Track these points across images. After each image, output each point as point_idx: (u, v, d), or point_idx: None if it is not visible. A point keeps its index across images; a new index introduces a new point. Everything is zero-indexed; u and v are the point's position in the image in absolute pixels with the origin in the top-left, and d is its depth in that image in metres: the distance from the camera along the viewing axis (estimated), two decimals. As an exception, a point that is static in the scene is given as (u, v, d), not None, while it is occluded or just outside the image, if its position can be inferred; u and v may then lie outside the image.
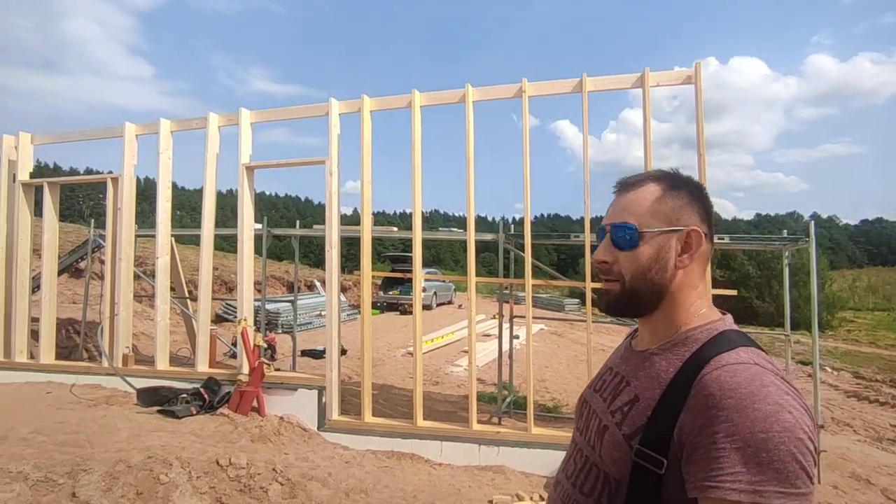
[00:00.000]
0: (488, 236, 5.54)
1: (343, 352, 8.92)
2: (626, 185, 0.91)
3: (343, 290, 18.61)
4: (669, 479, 0.72)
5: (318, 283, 16.58)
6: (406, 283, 17.34)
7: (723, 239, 5.01)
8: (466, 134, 5.05)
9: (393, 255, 18.18)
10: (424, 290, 16.66)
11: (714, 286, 4.54)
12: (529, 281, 4.97)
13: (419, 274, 5.27)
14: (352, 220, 6.32)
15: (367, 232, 5.36)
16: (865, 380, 9.85)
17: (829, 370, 10.59)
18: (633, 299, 0.87)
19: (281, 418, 5.21)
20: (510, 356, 5.99)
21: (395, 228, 6.09)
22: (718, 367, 0.72)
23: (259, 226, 6.47)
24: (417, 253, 5.29)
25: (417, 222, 5.22)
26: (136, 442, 4.17)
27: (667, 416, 0.74)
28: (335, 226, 5.38)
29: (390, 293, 16.63)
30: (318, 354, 8.51)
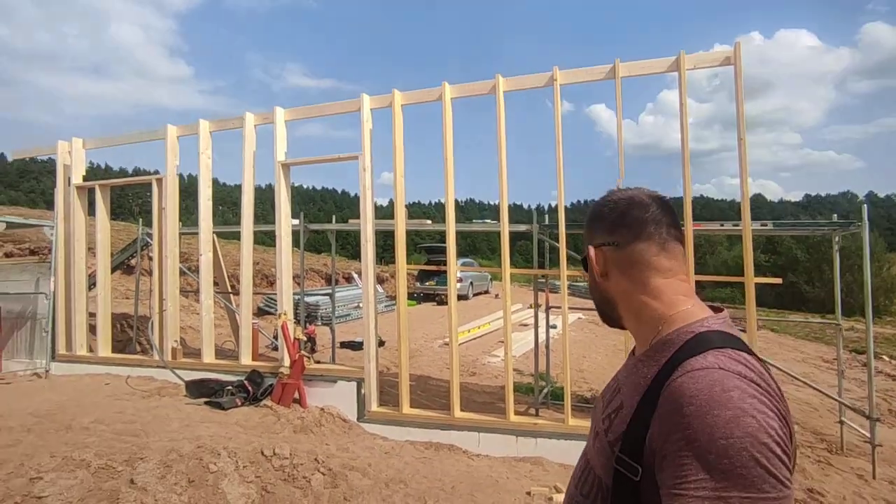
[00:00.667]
0: (522, 227, 5.49)
1: (381, 343, 9.06)
2: None
3: (380, 281, 18.87)
4: (645, 485, 0.74)
5: (355, 276, 16.84)
6: (442, 274, 17.43)
7: (766, 225, 4.80)
8: (498, 125, 5.00)
9: (428, 246, 18.24)
10: (460, 280, 16.74)
11: (758, 272, 4.34)
12: (564, 271, 4.91)
13: (453, 265, 5.28)
14: (387, 211, 6.34)
15: (401, 225, 5.40)
16: (927, 369, 9.32)
17: (886, 359, 10.07)
18: (601, 313, 0.98)
19: (322, 409, 5.35)
20: (546, 346, 5.94)
21: (429, 221, 6.12)
22: (683, 374, 0.73)
23: (296, 221, 6.62)
24: (451, 244, 5.29)
25: (451, 214, 5.23)
26: (186, 432, 4.37)
27: (641, 424, 0.76)
28: (370, 220, 5.44)
29: (427, 284, 16.73)
30: (357, 346, 8.68)
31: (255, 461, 4.04)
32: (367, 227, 5.42)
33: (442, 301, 15.82)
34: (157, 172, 6.64)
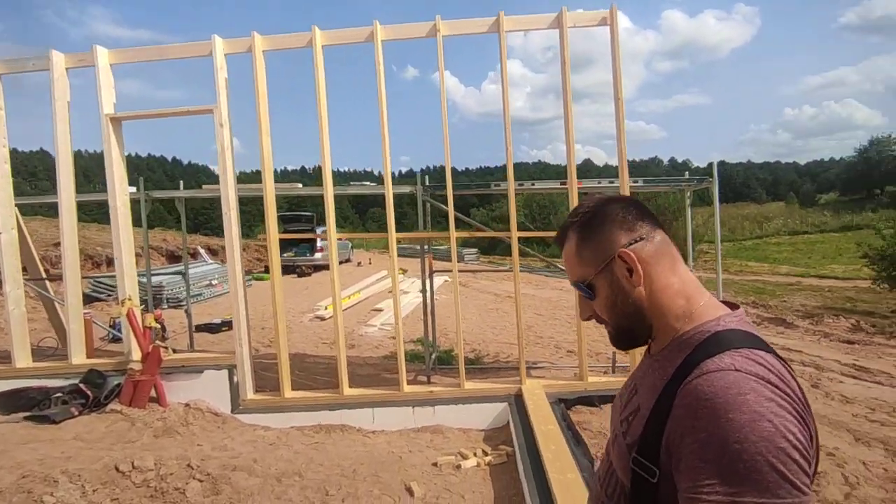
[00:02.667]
0: (406, 188, 5.20)
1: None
2: (559, 242, 0.92)
3: (215, 252, 17.22)
4: (663, 487, 0.73)
5: (201, 251, 15.09)
6: (301, 244, 16.41)
7: (637, 182, 5.15)
8: (378, 76, 4.58)
9: (283, 215, 16.93)
10: (321, 249, 15.96)
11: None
12: (454, 233, 4.77)
13: (333, 232, 4.83)
14: (241, 180, 5.60)
15: (269, 189, 4.76)
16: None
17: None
18: (627, 334, 0.88)
19: (187, 406, 4.62)
20: (432, 312, 5.82)
21: (300, 185, 5.51)
22: (699, 376, 0.71)
23: (134, 189, 5.52)
24: (330, 208, 4.81)
25: (328, 175, 4.73)
26: (2, 460, 3.42)
27: (657, 426, 0.74)
28: (231, 184, 4.71)
29: (284, 255, 15.59)
30: (215, 328, 7.72)
31: (108, 481, 3.32)
32: (230, 192, 4.69)
33: (303, 272, 14.93)
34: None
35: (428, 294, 5.79)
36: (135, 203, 5.71)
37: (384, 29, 4.61)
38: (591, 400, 4.58)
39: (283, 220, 16.28)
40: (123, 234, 4.79)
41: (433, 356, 5.78)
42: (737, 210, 43.08)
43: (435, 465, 3.92)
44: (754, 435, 0.63)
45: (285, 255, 15.57)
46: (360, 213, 58.30)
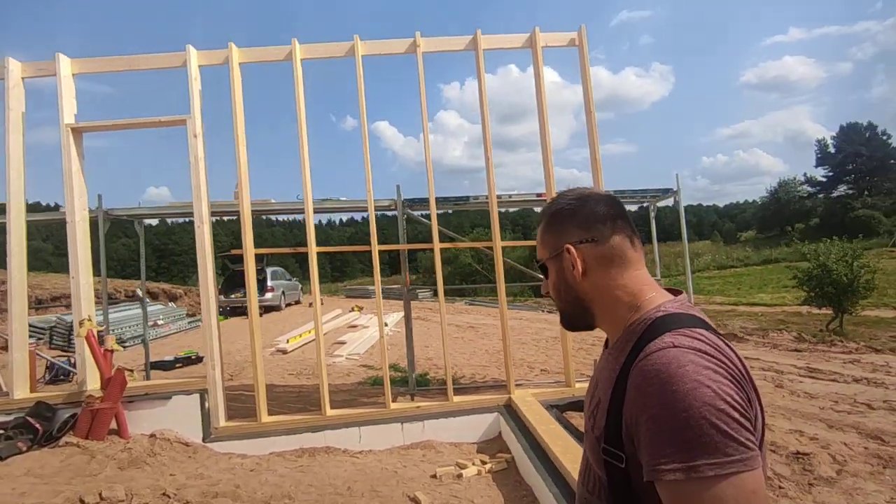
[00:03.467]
0: (385, 201, 5.15)
1: (199, 359, 7.70)
2: (539, 217, 1.00)
3: (172, 298, 16.23)
4: (632, 469, 0.75)
5: (139, 292, 14.11)
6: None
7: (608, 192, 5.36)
8: (359, 91, 4.63)
9: (230, 255, 16.13)
10: (272, 290, 15.37)
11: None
12: (437, 244, 4.76)
13: (314, 247, 4.68)
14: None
15: (246, 204, 4.60)
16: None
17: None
18: (567, 317, 0.96)
19: (152, 436, 4.20)
20: (410, 336, 5.68)
21: (273, 199, 5.33)
22: (643, 358, 0.75)
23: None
24: (310, 227, 4.69)
25: (308, 191, 4.64)
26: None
27: (616, 413, 0.78)
28: (204, 197, 4.52)
29: (234, 296, 14.83)
30: (168, 365, 7.15)
31: (74, 513, 2.93)
32: (203, 206, 4.49)
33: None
34: None
35: (403, 320, 5.65)
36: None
37: (364, 44, 4.70)
38: (581, 405, 4.57)
39: (230, 261, 15.57)
40: (81, 251, 4.43)
41: (414, 376, 5.60)
42: (669, 248, 45.63)
43: (434, 476, 3.75)
44: (696, 401, 0.66)
45: (234, 295, 14.81)
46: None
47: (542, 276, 0.98)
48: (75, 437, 3.94)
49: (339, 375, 6.84)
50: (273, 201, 5.37)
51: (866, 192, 43.52)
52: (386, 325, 11.61)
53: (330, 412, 4.53)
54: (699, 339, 0.75)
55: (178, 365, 7.15)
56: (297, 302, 17.90)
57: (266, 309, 14.85)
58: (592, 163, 4.81)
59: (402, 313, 14.04)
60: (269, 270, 15.63)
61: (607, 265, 0.89)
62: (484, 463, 3.90)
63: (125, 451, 3.92)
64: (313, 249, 4.65)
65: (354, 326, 11.76)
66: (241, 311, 14.52)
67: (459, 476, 3.69)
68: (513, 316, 12.76)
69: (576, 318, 0.95)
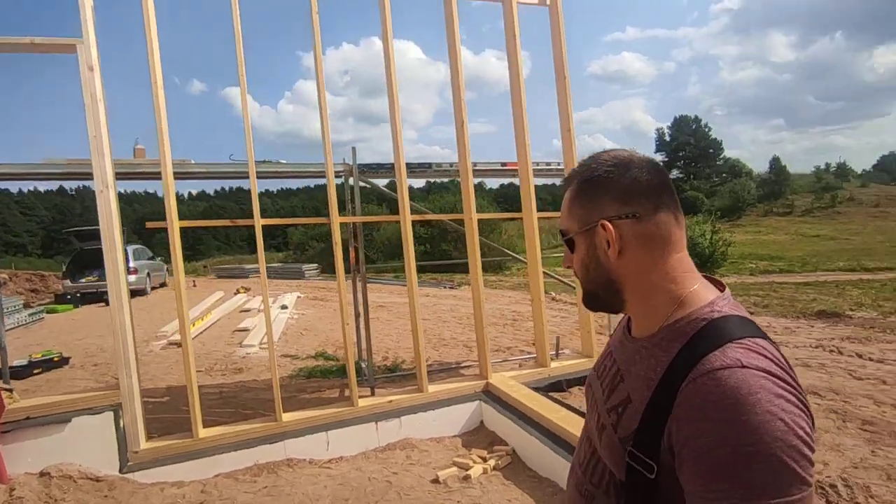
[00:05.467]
0: (338, 167, 4.37)
1: (65, 360, 6.15)
2: (564, 184, 0.89)
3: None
4: (663, 482, 0.71)
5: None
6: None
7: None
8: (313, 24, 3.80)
9: (77, 231, 13.19)
10: (135, 271, 13.15)
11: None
12: (408, 216, 4.17)
13: (259, 221, 3.81)
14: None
15: (168, 162, 3.56)
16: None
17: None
18: (593, 297, 0.87)
19: (44, 475, 3.11)
20: (366, 321, 5.01)
21: (192, 160, 4.19)
22: (704, 374, 0.68)
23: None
24: (255, 194, 3.80)
25: (251, 152, 3.73)
26: None
27: (656, 421, 0.72)
28: (107, 151, 3.41)
29: (84, 281, 12.26)
30: (24, 371, 5.49)
31: None
32: (107, 164, 3.38)
33: (114, 300, 11.91)
34: None
35: (359, 304, 4.97)
36: None
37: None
38: (560, 385, 4.41)
39: (77, 238, 12.83)
40: None
41: (365, 366, 4.98)
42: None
43: (436, 481, 3.28)
44: (768, 436, 0.61)
45: (84, 280, 12.26)
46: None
47: (567, 250, 0.87)
48: (-76, 490, 2.74)
49: (260, 369, 5.90)
50: (193, 162, 4.27)
51: (692, 176, 50.67)
52: (285, 307, 10.54)
53: (287, 417, 3.78)
54: (767, 358, 0.68)
55: (35, 370, 5.56)
56: (163, 284, 15.54)
57: (131, 294, 12.59)
58: (564, 133, 4.57)
59: (296, 293, 12.92)
60: (129, 248, 13.22)
61: (648, 245, 0.79)
62: (485, 459, 3.51)
63: (10, 501, 2.82)
64: (259, 222, 3.78)
65: (247, 310, 10.46)
66: (93, 297, 12.14)
67: (466, 478, 3.27)
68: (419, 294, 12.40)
69: (603, 300, 0.86)
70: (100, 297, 11.92)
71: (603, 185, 0.81)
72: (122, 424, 3.37)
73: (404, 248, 4.22)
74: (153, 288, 14.41)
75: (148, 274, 13.78)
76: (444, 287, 13.99)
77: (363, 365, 5.04)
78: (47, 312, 10.24)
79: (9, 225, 48.57)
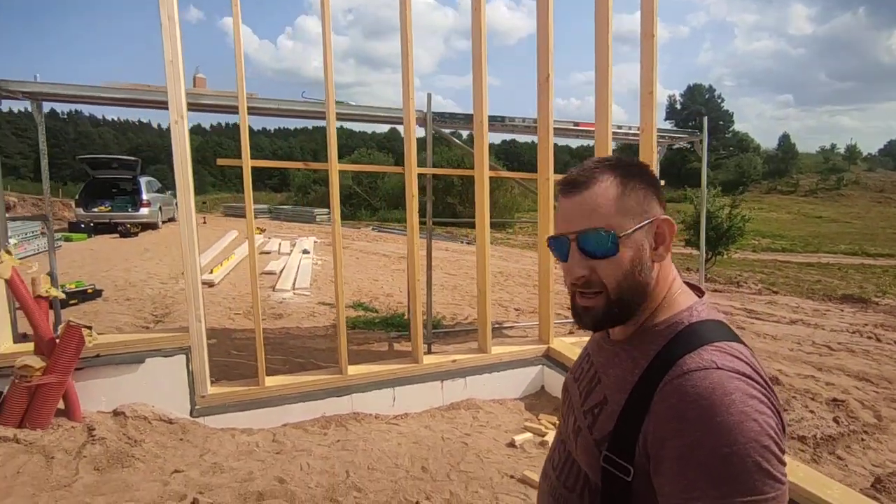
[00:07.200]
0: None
1: (97, 292, 6.01)
2: (577, 184, 0.78)
3: (7, 207, 12.71)
4: (638, 485, 0.71)
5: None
6: (119, 196, 12.77)
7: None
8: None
9: (91, 158, 12.69)
10: (148, 204, 12.83)
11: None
12: (486, 172, 3.97)
13: (335, 167, 3.59)
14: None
15: (243, 96, 3.30)
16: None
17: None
18: (623, 309, 0.79)
19: (118, 415, 3.03)
20: (428, 273, 4.87)
21: (258, 94, 3.88)
22: (681, 375, 0.69)
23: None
24: (333, 136, 3.56)
25: (331, 92, 3.47)
26: None
27: (632, 423, 0.72)
28: (183, 82, 3.14)
29: (95, 210, 11.90)
30: (60, 303, 5.31)
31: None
32: (181, 93, 3.12)
33: (127, 232, 11.61)
34: None
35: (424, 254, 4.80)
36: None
37: None
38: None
39: (90, 165, 12.37)
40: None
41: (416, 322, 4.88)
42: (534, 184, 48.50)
43: (512, 445, 3.24)
44: (742, 437, 0.63)
45: (97, 209, 11.91)
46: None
47: (583, 257, 0.77)
48: (1, 426, 2.64)
49: (299, 317, 5.79)
50: (258, 97, 3.98)
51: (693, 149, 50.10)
52: (307, 252, 10.37)
53: (352, 371, 3.69)
54: (741, 360, 0.70)
55: (72, 301, 5.42)
56: (172, 219, 15.26)
57: (142, 227, 12.31)
58: (645, 95, 4.31)
59: (312, 238, 12.72)
60: (142, 180, 12.81)
61: (667, 244, 0.80)
62: (555, 425, 3.48)
63: (92, 441, 2.74)
64: (335, 167, 3.57)
65: (267, 252, 10.27)
66: (106, 228, 11.86)
67: (543, 444, 3.24)
68: (435, 247, 12.27)
69: (628, 310, 0.79)
70: (113, 228, 11.65)
71: (651, 181, 0.78)
72: (191, 368, 3.27)
73: (477, 205, 4.04)
74: (164, 221, 14.09)
75: (160, 208, 13.44)
76: (463, 242, 13.85)
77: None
78: (64, 240, 9.98)
79: (1, 146, 47.12)
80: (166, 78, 3.09)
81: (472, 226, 4.33)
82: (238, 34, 3.26)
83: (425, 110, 4.24)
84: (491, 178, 4.03)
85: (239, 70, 3.30)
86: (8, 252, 2.75)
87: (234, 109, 3.46)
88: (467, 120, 4.12)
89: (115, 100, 3.65)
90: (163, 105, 3.22)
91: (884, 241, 23.29)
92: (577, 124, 4.68)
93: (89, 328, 2.80)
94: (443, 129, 4.35)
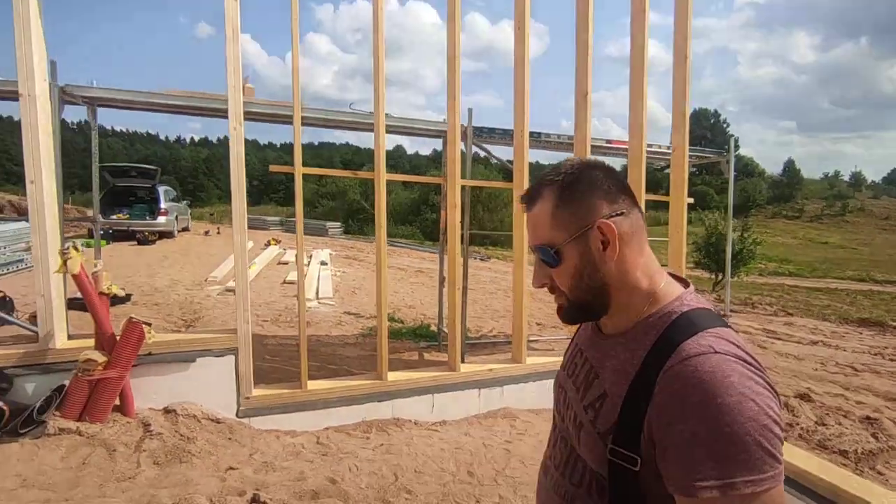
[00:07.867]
0: (439, 121, 4.21)
1: (127, 296, 6.08)
2: (528, 200, 0.86)
3: (19, 212, 12.87)
4: (646, 473, 0.73)
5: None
6: (137, 204, 12.91)
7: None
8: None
9: (111, 167, 12.87)
10: (166, 213, 12.97)
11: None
12: (525, 185, 4.06)
13: (383, 176, 3.69)
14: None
15: (298, 107, 3.42)
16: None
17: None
18: (583, 308, 0.84)
19: (169, 413, 3.07)
20: (464, 283, 4.94)
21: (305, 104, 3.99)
22: (681, 361, 0.71)
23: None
24: (381, 148, 3.67)
25: (381, 104, 3.58)
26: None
27: (635, 413, 0.73)
28: (241, 89, 3.26)
29: (113, 218, 12.03)
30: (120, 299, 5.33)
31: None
32: (239, 100, 3.23)
33: (145, 240, 11.73)
34: None
35: (332, 259, 4.89)
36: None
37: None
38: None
39: (111, 174, 12.53)
40: (44, 141, 2.94)
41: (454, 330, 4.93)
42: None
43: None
44: (742, 416, 0.64)
45: (113, 217, 12.05)
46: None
47: (542, 266, 0.84)
48: (64, 418, 2.69)
49: (326, 325, 5.85)
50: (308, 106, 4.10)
51: (705, 171, 50.41)
52: (325, 263, 10.45)
53: (392, 376, 3.74)
54: (735, 344, 0.72)
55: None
56: (186, 228, 15.32)
57: (159, 235, 12.43)
58: (678, 117, 4.42)
59: (327, 250, 12.80)
60: (160, 189, 12.99)
61: (631, 242, 0.81)
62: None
63: (150, 436, 2.79)
64: (383, 176, 3.66)
65: (286, 263, 10.36)
66: (125, 235, 11.98)
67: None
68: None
69: (590, 308, 0.84)
70: (131, 236, 11.76)
71: (589, 187, 0.80)
72: (238, 369, 3.32)
73: (515, 219, 4.13)
74: (179, 231, 14.20)
75: (176, 216, 13.57)
76: (476, 258, 13.93)
77: (447, 331, 4.99)
78: (86, 246, 10.06)
79: (11, 153, 47.54)
80: (227, 87, 3.21)
81: (508, 240, 4.39)
82: (296, 51, 3.40)
83: (465, 124, 4.35)
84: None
85: (295, 83, 3.42)
86: (76, 248, 2.83)
87: (281, 119, 3.57)
88: (505, 134, 4.22)
89: (170, 106, 3.77)
90: (216, 112, 3.34)
91: (891, 268, 23.24)
92: (609, 142, 4.78)
93: (149, 325, 2.87)
94: (483, 145, 4.46)
